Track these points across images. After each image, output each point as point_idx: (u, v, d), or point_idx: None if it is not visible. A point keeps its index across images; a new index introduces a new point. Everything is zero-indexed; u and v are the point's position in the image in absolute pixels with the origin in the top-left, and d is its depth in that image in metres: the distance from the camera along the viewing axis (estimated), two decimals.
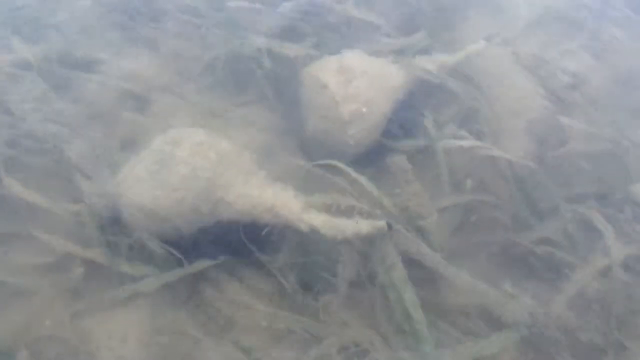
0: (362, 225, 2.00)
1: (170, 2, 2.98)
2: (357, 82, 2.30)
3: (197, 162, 1.99)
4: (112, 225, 2.09)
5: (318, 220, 2.01)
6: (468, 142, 2.39)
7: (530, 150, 2.53)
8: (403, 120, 2.51)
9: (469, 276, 2.04)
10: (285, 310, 2.03)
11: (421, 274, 2.04)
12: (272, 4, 2.94)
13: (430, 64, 2.58)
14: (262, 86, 2.69)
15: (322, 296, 2.07)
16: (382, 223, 2.00)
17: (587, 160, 2.52)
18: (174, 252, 2.03)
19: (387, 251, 2.02)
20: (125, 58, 2.77)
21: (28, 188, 2.20)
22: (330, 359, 1.91)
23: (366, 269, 2.10)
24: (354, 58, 2.41)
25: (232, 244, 2.12)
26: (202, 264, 2.06)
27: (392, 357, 1.90)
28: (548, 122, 2.65)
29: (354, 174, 2.12)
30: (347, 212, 2.06)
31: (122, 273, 2.05)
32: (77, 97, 2.61)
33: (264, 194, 2.04)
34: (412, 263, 2.04)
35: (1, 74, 2.59)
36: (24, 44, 2.76)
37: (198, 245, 2.10)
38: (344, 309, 2.06)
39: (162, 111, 2.60)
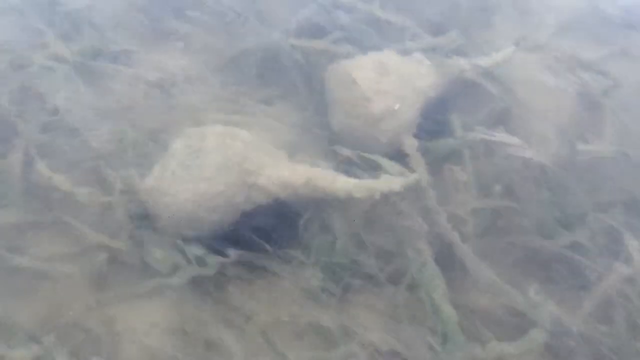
0: (394, 182, 2.03)
1: None
2: (388, 79, 2.29)
3: (227, 149, 2.02)
4: (141, 218, 2.11)
5: (351, 183, 2.05)
6: (500, 136, 2.38)
7: (560, 155, 2.51)
8: (433, 120, 2.50)
9: (491, 272, 2.04)
10: (309, 307, 2.03)
11: (448, 276, 2.04)
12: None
13: (462, 65, 2.56)
14: (289, 82, 2.69)
15: (345, 294, 2.08)
16: (414, 177, 2.04)
17: (617, 167, 2.49)
18: (189, 254, 2.05)
19: (420, 248, 2.02)
20: (155, 51, 2.80)
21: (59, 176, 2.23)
22: (355, 358, 1.91)
23: (389, 268, 2.11)
24: (385, 56, 2.40)
25: (257, 241, 2.13)
26: (226, 259, 2.06)
27: (417, 356, 1.90)
28: (578, 127, 2.63)
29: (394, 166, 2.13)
30: None
31: (147, 264, 2.07)
32: (108, 89, 2.64)
33: (296, 171, 2.07)
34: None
35: (36, 65, 2.62)
36: (58, 36, 2.79)
37: (225, 239, 2.10)
38: (367, 307, 2.06)
39: (191, 104, 2.61)
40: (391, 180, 2.06)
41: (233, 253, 2.07)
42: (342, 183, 2.06)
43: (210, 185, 1.96)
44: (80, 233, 2.10)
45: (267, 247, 2.11)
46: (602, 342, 1.96)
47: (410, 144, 2.14)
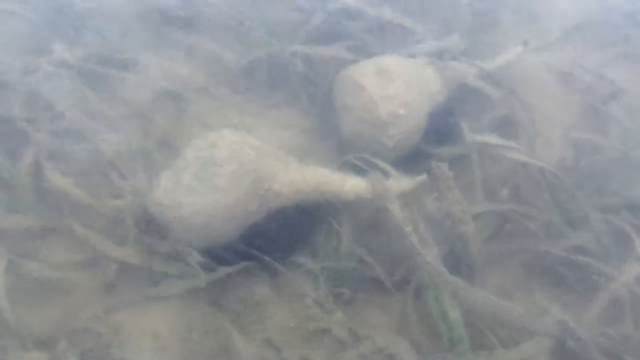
0: (405, 183, 2.05)
1: (206, 4, 3.01)
2: (395, 84, 2.30)
3: (240, 158, 2.01)
4: (151, 226, 2.11)
5: (361, 186, 2.06)
6: (504, 143, 2.39)
7: (565, 158, 2.51)
8: (440, 125, 2.50)
9: (492, 296, 2.03)
10: (316, 312, 2.04)
11: None
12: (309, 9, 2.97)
13: (468, 69, 2.57)
14: (297, 89, 2.70)
15: (353, 300, 2.09)
16: (422, 177, 2.06)
17: (622, 170, 2.49)
18: (194, 265, 2.06)
19: (427, 252, 2.02)
20: (162, 59, 2.79)
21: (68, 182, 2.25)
22: None
23: (397, 273, 2.12)
24: (391, 61, 2.41)
25: (264, 247, 2.13)
26: (234, 266, 2.07)
27: None
28: (583, 131, 2.63)
29: (394, 173, 2.14)
30: None
31: (156, 271, 2.08)
32: (115, 96, 2.65)
33: (306, 175, 2.09)
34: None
35: (42, 72, 2.62)
36: (64, 43, 2.79)
37: (232, 246, 2.10)
38: (374, 312, 2.07)
39: (198, 112, 2.63)
40: (401, 182, 2.06)
41: (240, 260, 2.08)
42: (351, 185, 2.07)
43: (225, 196, 1.96)
44: (90, 240, 2.11)
45: (274, 252, 2.12)
46: (609, 346, 1.96)
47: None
